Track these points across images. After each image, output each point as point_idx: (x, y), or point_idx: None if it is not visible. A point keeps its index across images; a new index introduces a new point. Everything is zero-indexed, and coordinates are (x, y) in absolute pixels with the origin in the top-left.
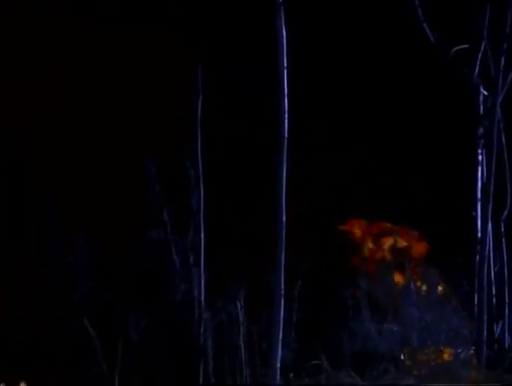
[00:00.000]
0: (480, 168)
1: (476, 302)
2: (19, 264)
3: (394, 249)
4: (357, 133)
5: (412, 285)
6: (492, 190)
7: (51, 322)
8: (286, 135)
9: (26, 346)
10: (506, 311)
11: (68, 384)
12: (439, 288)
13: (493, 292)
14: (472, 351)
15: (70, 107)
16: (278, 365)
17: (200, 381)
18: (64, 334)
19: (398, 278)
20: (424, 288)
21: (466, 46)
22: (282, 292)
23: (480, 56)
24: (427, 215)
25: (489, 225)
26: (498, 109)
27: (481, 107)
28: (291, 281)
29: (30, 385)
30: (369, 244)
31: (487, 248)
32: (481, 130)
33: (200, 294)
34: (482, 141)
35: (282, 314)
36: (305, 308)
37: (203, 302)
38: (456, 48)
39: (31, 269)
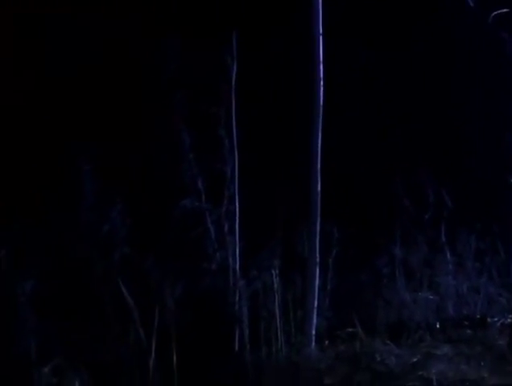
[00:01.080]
0: None
1: None
2: (55, 232)
3: None
4: (393, 100)
5: (448, 252)
6: None
7: (87, 290)
8: (321, 103)
9: (63, 314)
10: None
11: (107, 352)
12: None
13: None
14: (509, 320)
15: (106, 77)
16: (313, 332)
17: (236, 348)
18: (101, 301)
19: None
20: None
21: (506, 10)
22: (317, 260)
23: None
24: (463, 181)
25: None
26: None
27: None
28: (325, 250)
29: (68, 353)
30: None
31: None
32: None
33: (234, 263)
34: None
35: (317, 282)
36: (340, 276)
37: (238, 271)
38: (496, 13)
39: (67, 237)
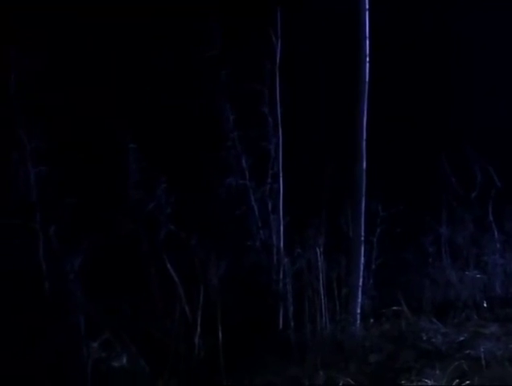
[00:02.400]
0: None
1: None
2: (102, 210)
3: None
4: (440, 77)
5: (496, 231)
6: None
7: (134, 267)
8: (367, 79)
9: (111, 291)
10: None
11: (154, 327)
12: None
13: None
14: None
15: (150, 57)
16: (358, 311)
17: (280, 326)
18: (148, 278)
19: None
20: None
21: None
22: (362, 238)
23: None
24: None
25: None
26: None
27: None
28: (370, 228)
29: (116, 329)
30: None
31: None
32: None
33: (279, 241)
34: None
35: (362, 260)
36: (385, 255)
37: (282, 249)
38: None
39: (114, 215)
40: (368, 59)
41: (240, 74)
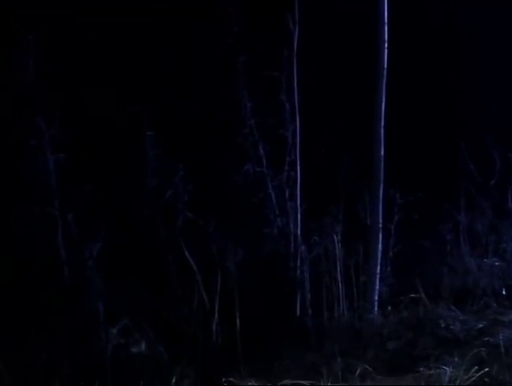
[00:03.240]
0: None
1: None
2: (120, 197)
3: None
4: (459, 62)
5: None
6: None
7: (152, 254)
8: (385, 66)
9: (129, 277)
10: None
11: (172, 314)
12: None
13: None
14: None
15: (167, 44)
16: (376, 298)
17: (297, 313)
18: (166, 265)
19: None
20: None
21: None
22: (380, 226)
23: None
24: None
25: None
26: None
27: None
28: (388, 215)
29: (135, 315)
30: None
31: None
32: None
33: (296, 228)
34: None
35: (380, 247)
36: (402, 242)
37: (299, 236)
38: None
39: (132, 202)
40: (386, 45)
41: (257, 61)
